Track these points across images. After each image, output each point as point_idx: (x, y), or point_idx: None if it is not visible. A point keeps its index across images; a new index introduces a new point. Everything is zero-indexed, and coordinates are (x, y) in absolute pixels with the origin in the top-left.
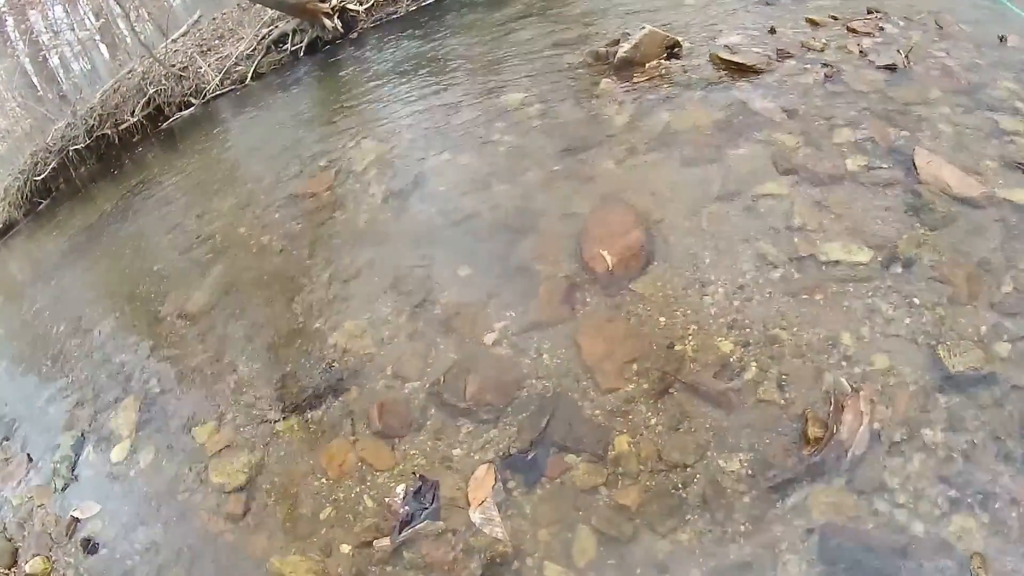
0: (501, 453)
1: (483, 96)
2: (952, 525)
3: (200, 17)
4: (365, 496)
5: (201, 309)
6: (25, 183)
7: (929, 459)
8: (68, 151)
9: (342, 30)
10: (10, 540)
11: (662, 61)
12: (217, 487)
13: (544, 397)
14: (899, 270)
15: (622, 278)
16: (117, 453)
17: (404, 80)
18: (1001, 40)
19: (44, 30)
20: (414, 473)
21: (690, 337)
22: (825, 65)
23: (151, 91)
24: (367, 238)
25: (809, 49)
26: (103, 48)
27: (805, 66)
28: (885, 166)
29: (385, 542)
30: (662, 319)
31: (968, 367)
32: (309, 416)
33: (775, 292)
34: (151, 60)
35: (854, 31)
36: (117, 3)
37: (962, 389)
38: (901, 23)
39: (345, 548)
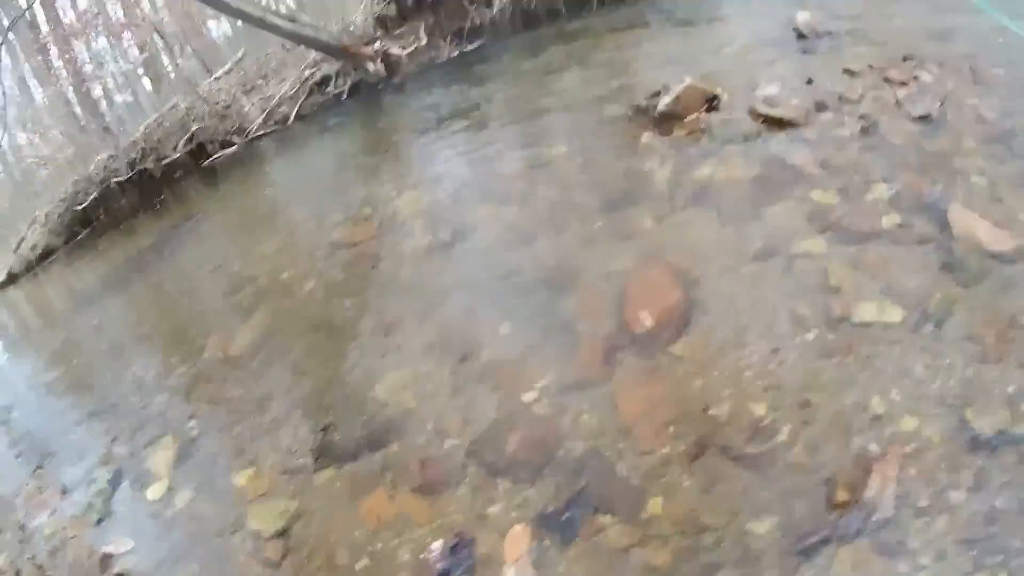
0: (538, 512)
1: (524, 147)
2: None
3: (244, 55)
4: (402, 549)
5: (243, 352)
6: (66, 211)
7: (954, 521)
8: (110, 182)
9: (385, 74)
10: (40, 568)
11: (701, 115)
12: (255, 532)
13: (581, 457)
14: (930, 329)
15: (661, 339)
16: (153, 491)
17: (446, 128)
18: None
19: (88, 60)
20: (451, 529)
21: (725, 400)
22: (862, 117)
23: (194, 127)
24: (410, 290)
25: (846, 101)
26: (146, 82)
27: (842, 119)
28: (919, 222)
29: None
30: (698, 381)
31: (996, 428)
32: (349, 467)
33: (809, 354)
34: (194, 97)
35: (890, 80)
36: (161, 37)
37: (989, 450)
38: (936, 70)
39: None
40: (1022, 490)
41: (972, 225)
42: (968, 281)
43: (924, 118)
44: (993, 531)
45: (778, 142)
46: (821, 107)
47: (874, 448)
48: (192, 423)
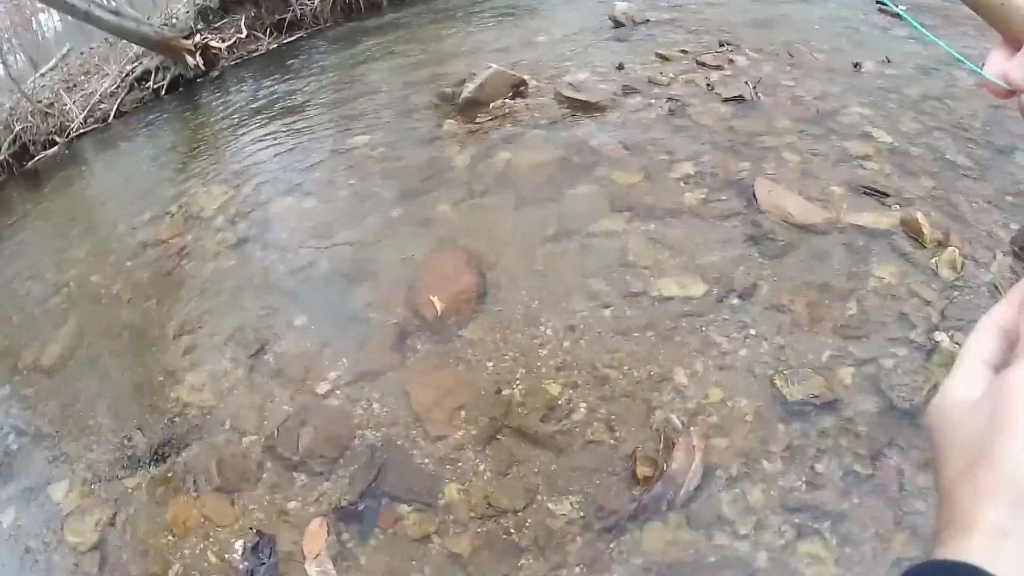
0: (334, 505)
1: (331, 137)
2: (799, 552)
3: (69, 51)
4: (209, 552)
5: (55, 363)
6: None
7: (771, 489)
8: None
9: (204, 68)
10: None
11: (507, 100)
12: (72, 546)
13: (375, 447)
14: (735, 301)
15: (452, 324)
16: None
17: (259, 121)
18: (855, 67)
19: None
20: (251, 528)
21: (518, 381)
22: (670, 100)
23: (17, 128)
24: (211, 287)
25: (656, 84)
26: None
27: (650, 101)
28: (724, 198)
29: None
30: (490, 364)
31: (808, 395)
32: (154, 472)
33: (606, 331)
34: (19, 95)
35: (703, 64)
36: None
37: (802, 417)
38: (753, 55)
39: None
40: (842, 454)
41: (780, 199)
42: (775, 253)
43: (737, 99)
44: (815, 496)
45: (583, 126)
46: (629, 91)
47: (677, 421)
48: (11, 438)
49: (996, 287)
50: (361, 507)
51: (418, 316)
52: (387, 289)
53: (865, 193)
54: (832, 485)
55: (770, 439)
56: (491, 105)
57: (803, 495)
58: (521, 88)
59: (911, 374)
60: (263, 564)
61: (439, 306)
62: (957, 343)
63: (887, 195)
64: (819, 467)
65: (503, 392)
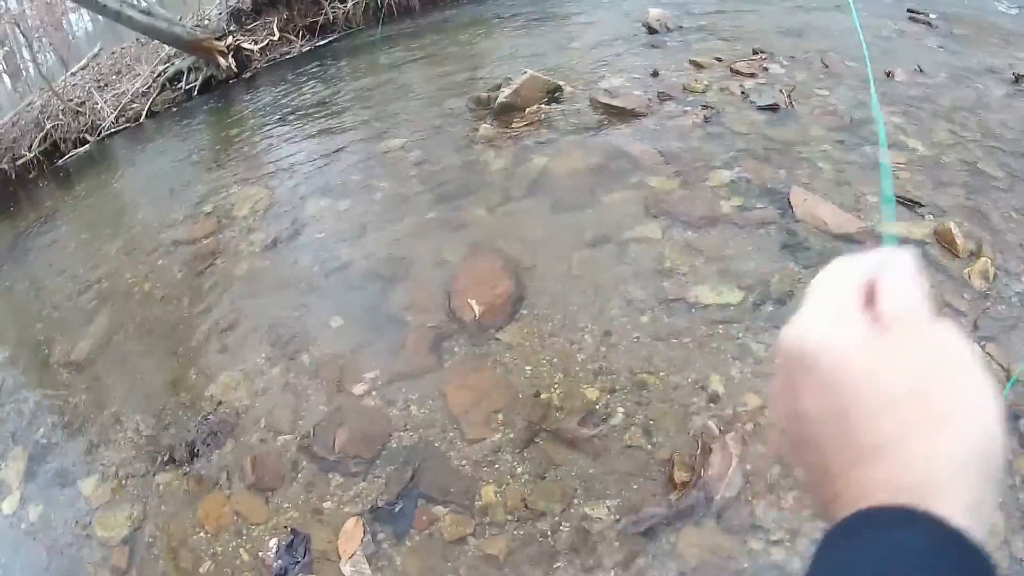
0: (369, 505)
1: (365, 140)
2: None
3: (100, 50)
4: (241, 550)
5: (86, 358)
6: None
7: (805, 496)
8: None
9: (236, 69)
10: None
11: (542, 106)
12: (102, 540)
13: (411, 448)
14: (770, 309)
15: (490, 327)
16: (7, 505)
17: (291, 123)
18: (888, 75)
19: None
20: (286, 527)
21: (556, 385)
22: (705, 107)
23: (48, 126)
24: (245, 287)
25: (690, 92)
26: (6, 78)
27: (685, 108)
28: (760, 206)
29: None
30: (528, 368)
31: None
32: (187, 469)
33: (643, 337)
34: (50, 94)
35: (738, 72)
36: (21, 32)
37: None
38: (786, 63)
39: None
40: None
41: (814, 208)
42: (810, 261)
43: (771, 108)
44: None
45: (618, 132)
46: (664, 97)
47: (714, 427)
48: (40, 433)
49: None
50: (397, 508)
51: (455, 319)
52: (424, 292)
53: (898, 202)
54: None
55: None
56: (526, 110)
57: None
58: (556, 94)
59: None
60: (297, 563)
61: (477, 309)
62: (989, 353)
63: (920, 205)
64: None
65: (541, 396)
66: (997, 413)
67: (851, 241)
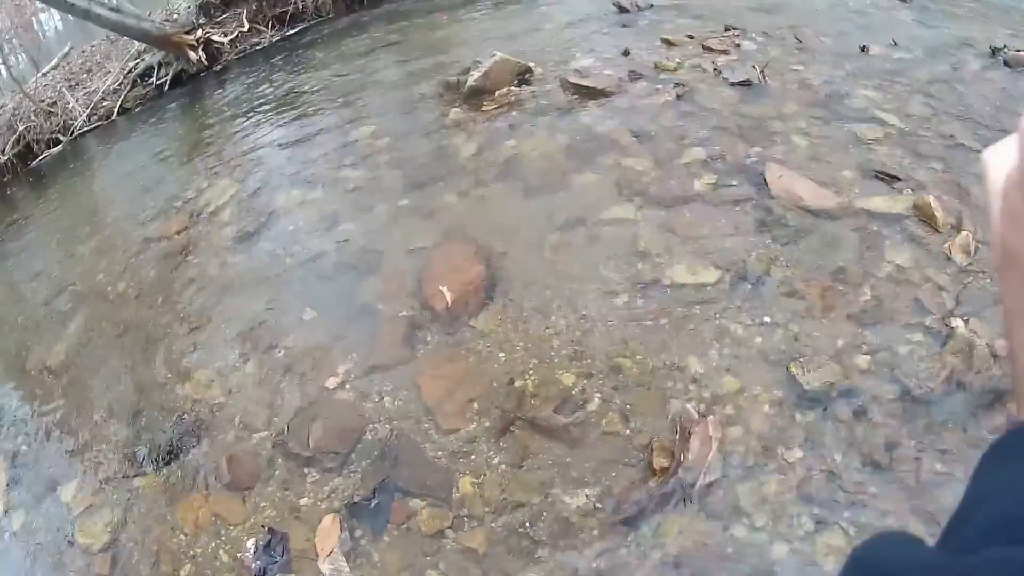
0: (346, 501)
1: (336, 129)
2: (819, 544)
3: (71, 49)
4: (220, 551)
5: (63, 362)
6: None
7: (788, 479)
8: None
9: (206, 62)
10: None
11: (512, 88)
12: (84, 547)
13: (386, 441)
14: (748, 288)
15: (462, 315)
16: None
17: (263, 115)
18: (863, 50)
19: None
20: (264, 526)
21: (531, 372)
22: (677, 85)
23: (20, 128)
24: (218, 282)
25: (662, 70)
26: None
27: (657, 87)
28: (735, 184)
29: None
30: (502, 355)
31: (824, 383)
32: (164, 471)
33: (618, 320)
34: (21, 95)
35: (710, 49)
36: None
37: (819, 405)
38: (760, 39)
39: None
40: (859, 444)
41: (791, 184)
42: (788, 239)
43: (744, 84)
44: (834, 487)
45: (589, 112)
46: (636, 76)
47: (692, 410)
48: (20, 440)
49: None
50: (374, 503)
51: (428, 308)
52: (396, 281)
53: (876, 177)
54: (849, 475)
55: (787, 428)
56: (496, 93)
57: (821, 485)
58: (526, 76)
59: (927, 360)
60: (276, 562)
61: (449, 297)
62: (972, 329)
63: (898, 179)
64: (836, 457)
65: (516, 383)
66: None
67: (830, 217)
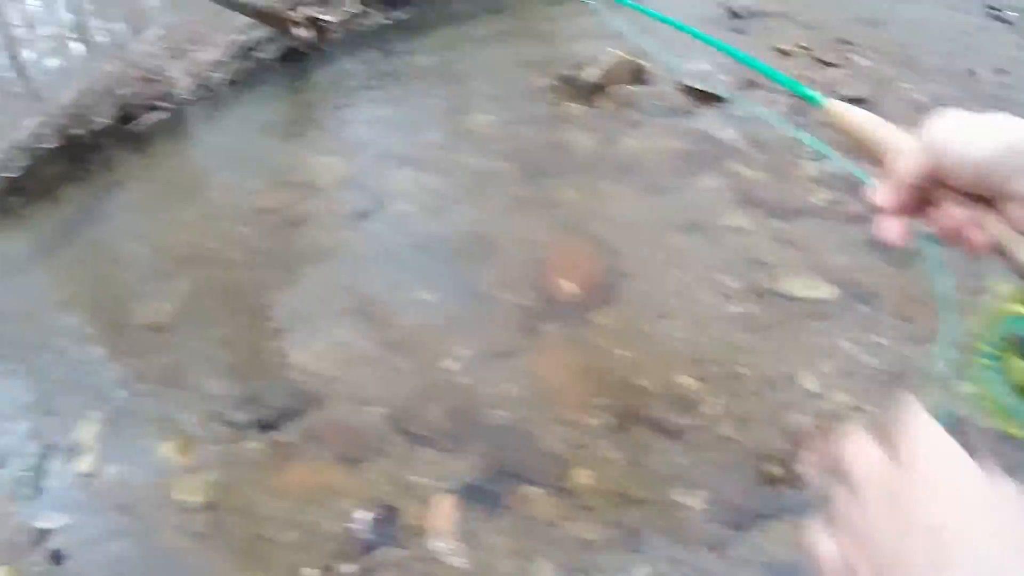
0: (461, 482)
1: (449, 116)
2: None
3: (174, 20)
4: (325, 521)
5: (167, 322)
6: None
7: None
8: (38, 149)
9: (314, 40)
10: None
11: (628, 87)
12: (179, 504)
13: (504, 427)
14: (859, 307)
15: (583, 308)
16: (84, 465)
17: (371, 95)
18: (970, 74)
19: (19, 23)
20: (374, 500)
21: (651, 371)
22: (792, 96)
23: (122, 93)
24: (331, 257)
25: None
26: (79, 46)
27: (772, 97)
28: (849, 201)
29: (347, 568)
30: (622, 352)
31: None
32: (271, 437)
33: (736, 327)
34: (124, 62)
35: (822, 62)
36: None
37: None
38: (871, 55)
39: (308, 572)
40: None
41: None
42: (899, 260)
43: (856, 100)
44: None
45: (706, 117)
46: (751, 84)
47: (805, 423)
48: (118, 394)
49: None
50: (489, 486)
51: (548, 298)
52: (514, 270)
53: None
54: None
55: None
56: (613, 91)
57: None
58: (642, 75)
59: None
60: (384, 536)
61: (571, 290)
62: None
63: None
64: None
65: (635, 381)
66: None
67: (931, 240)
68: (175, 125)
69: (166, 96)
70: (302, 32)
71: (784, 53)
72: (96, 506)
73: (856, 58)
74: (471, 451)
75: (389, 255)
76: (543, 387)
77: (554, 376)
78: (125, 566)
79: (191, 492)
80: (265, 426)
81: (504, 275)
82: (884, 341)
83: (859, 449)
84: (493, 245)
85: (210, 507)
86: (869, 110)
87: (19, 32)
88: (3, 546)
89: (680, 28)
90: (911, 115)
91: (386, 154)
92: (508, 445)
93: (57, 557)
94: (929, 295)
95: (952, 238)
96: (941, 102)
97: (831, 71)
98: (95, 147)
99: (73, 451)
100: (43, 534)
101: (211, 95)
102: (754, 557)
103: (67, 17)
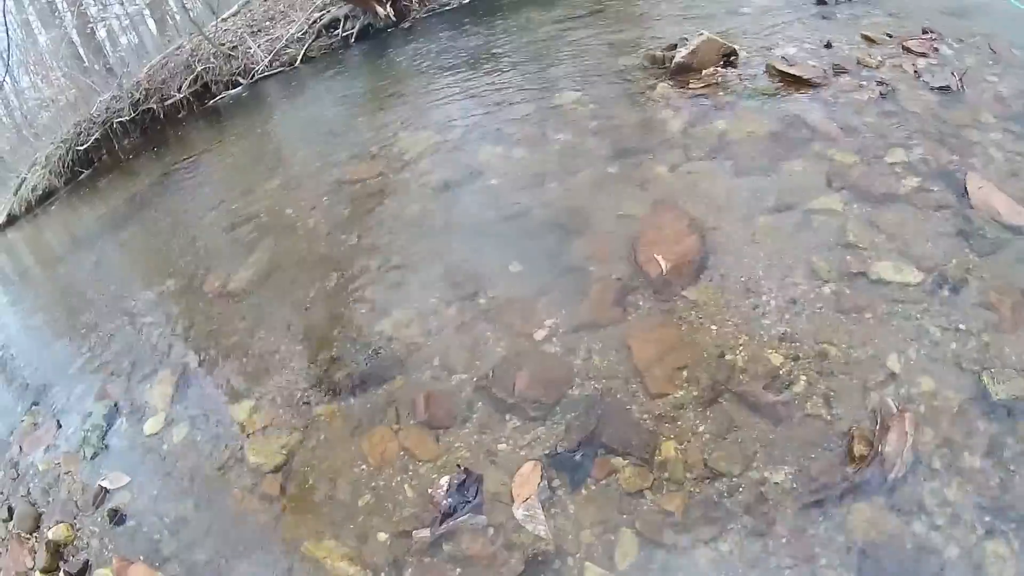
0: (548, 451)
1: (537, 93)
2: (986, 551)
3: None
4: (406, 486)
5: (244, 288)
6: (67, 152)
7: (967, 484)
8: (112, 123)
9: (394, 19)
10: (34, 505)
11: (719, 68)
12: (253, 467)
13: (593, 398)
14: (947, 294)
15: (675, 284)
16: (151, 426)
17: (456, 72)
18: None
19: (93, 2)
20: (458, 466)
21: (741, 347)
22: (880, 83)
23: (199, 68)
24: (417, 227)
25: (864, 66)
26: (151, 23)
27: (860, 83)
28: (937, 189)
29: (425, 533)
30: (713, 327)
31: (1012, 395)
32: (352, 401)
33: (826, 308)
34: (200, 37)
35: (909, 51)
36: None
37: (1004, 417)
38: (955, 45)
39: (382, 536)
40: None
41: (990, 196)
42: (984, 250)
43: (943, 89)
44: (1007, 498)
45: (795, 101)
46: (839, 70)
47: (892, 404)
48: (191, 357)
49: None
50: (576, 456)
51: (640, 273)
52: (606, 244)
53: None
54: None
55: (973, 434)
56: (703, 72)
57: (995, 494)
58: (732, 57)
59: None
60: (468, 502)
61: (664, 265)
62: None
63: None
64: (1013, 467)
65: (726, 356)
66: None
67: (1022, 234)
68: (252, 101)
69: (243, 72)
70: (382, 10)
71: (870, 40)
72: (161, 467)
73: (943, 48)
74: (559, 420)
75: (478, 226)
76: (632, 359)
77: (645, 349)
78: (187, 528)
79: (265, 455)
80: (346, 392)
81: (594, 249)
82: (967, 327)
83: None
84: (584, 219)
85: (282, 470)
86: (954, 100)
87: (92, 10)
88: (63, 503)
89: None
90: (996, 107)
91: (474, 129)
92: (595, 416)
93: (117, 517)
94: (1010, 284)
95: None
96: None
97: (918, 60)
98: (171, 121)
99: (142, 412)
100: (105, 493)
101: (289, 71)
102: (837, 536)
103: None
